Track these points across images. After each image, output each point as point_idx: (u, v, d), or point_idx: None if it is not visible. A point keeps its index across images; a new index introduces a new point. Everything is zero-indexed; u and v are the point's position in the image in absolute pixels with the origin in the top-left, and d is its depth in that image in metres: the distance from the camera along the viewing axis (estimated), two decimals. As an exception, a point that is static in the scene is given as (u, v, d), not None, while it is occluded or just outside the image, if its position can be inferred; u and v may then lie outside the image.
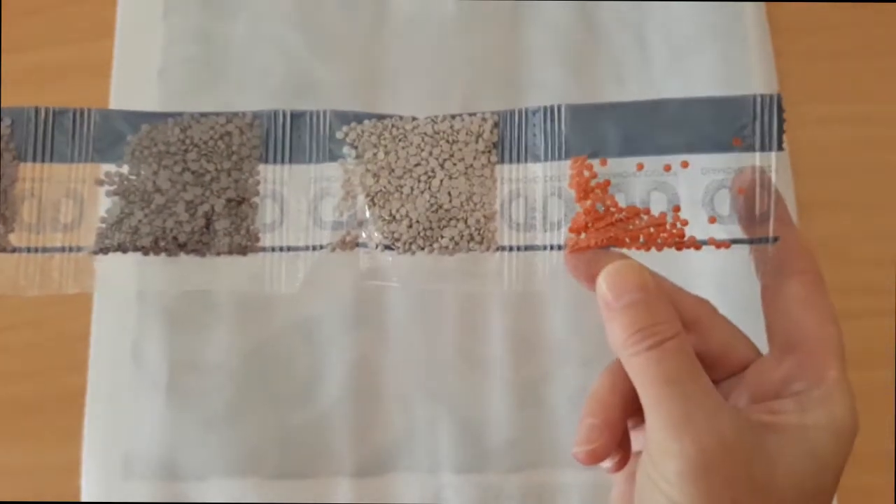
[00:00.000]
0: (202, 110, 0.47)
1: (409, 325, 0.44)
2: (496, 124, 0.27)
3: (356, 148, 0.27)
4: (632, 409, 0.26)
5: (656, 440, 0.22)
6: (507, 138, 0.27)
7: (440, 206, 0.26)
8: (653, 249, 0.25)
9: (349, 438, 0.42)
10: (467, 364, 0.43)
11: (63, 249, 0.26)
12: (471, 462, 0.42)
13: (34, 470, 0.43)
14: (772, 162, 0.24)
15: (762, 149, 0.25)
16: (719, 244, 0.25)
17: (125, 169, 0.26)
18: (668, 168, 0.25)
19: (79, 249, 0.26)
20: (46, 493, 0.42)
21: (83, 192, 0.26)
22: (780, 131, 0.24)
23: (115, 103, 0.47)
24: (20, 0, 0.50)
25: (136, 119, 0.27)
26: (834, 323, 0.25)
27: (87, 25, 0.49)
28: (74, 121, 0.27)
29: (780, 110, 0.25)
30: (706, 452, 0.22)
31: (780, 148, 0.25)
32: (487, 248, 0.26)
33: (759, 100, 0.25)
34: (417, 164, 0.26)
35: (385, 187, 0.26)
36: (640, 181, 0.25)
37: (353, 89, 0.47)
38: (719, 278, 0.43)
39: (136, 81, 0.48)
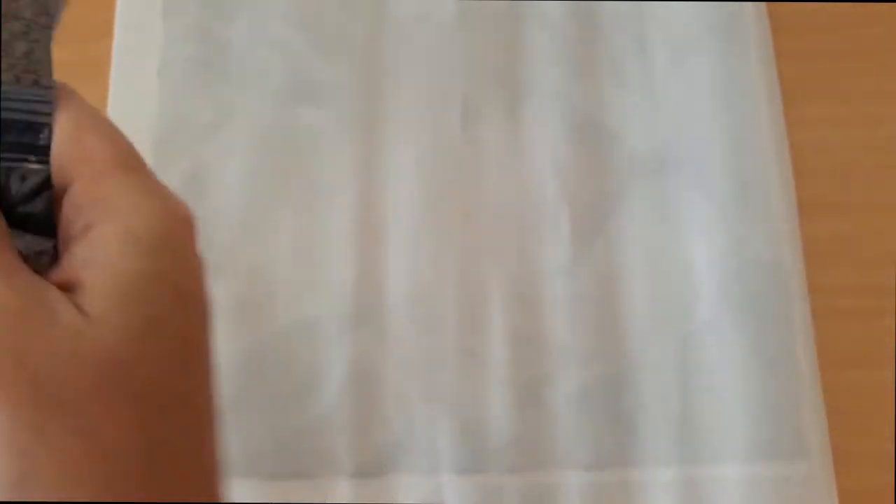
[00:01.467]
0: (201, 110, 0.47)
1: (408, 325, 0.44)
2: None
3: None
4: None
5: None
6: None
7: None
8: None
9: (349, 439, 0.42)
10: (467, 364, 0.43)
11: None
12: (471, 462, 0.42)
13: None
14: None
15: None
16: None
17: None
18: None
19: None
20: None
21: None
22: None
23: (113, 103, 0.47)
24: None
25: None
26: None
27: (86, 25, 0.49)
28: None
29: None
30: None
31: None
32: None
33: None
34: None
35: None
36: None
37: (353, 89, 0.47)
38: (722, 284, 0.44)
39: (135, 82, 0.48)
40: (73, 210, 0.21)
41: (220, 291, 0.45)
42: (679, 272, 0.44)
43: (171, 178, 0.47)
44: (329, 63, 0.48)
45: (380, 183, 0.46)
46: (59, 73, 0.50)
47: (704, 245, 0.44)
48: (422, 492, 0.42)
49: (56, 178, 0.21)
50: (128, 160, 0.21)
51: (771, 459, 0.41)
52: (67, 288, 0.19)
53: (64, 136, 0.21)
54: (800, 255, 0.44)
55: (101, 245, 0.20)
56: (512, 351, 0.43)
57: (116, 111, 0.47)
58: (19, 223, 0.21)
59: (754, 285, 0.43)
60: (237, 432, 0.42)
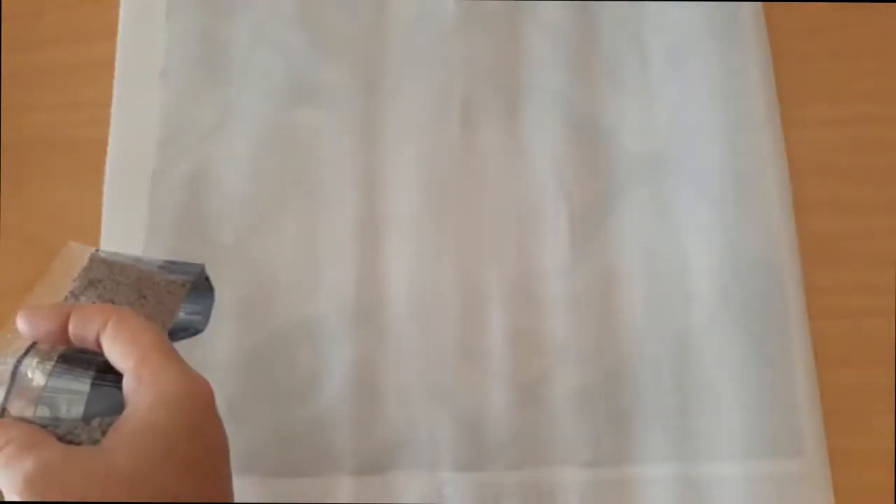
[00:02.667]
0: (204, 110, 0.47)
1: (409, 323, 0.44)
2: None
3: None
4: None
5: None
6: None
7: None
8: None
9: (350, 436, 0.42)
10: (468, 361, 0.43)
11: None
12: (471, 460, 0.42)
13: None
14: None
15: None
16: None
17: None
18: None
19: None
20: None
21: None
22: None
23: (116, 104, 0.48)
24: (23, 0, 0.50)
25: None
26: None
27: (90, 26, 0.49)
28: None
29: None
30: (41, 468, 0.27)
31: None
32: None
33: None
34: None
35: None
36: None
37: (354, 90, 0.48)
38: (720, 283, 0.44)
39: (139, 82, 0.48)
40: (129, 392, 0.29)
41: (223, 290, 0.45)
42: (676, 271, 0.44)
43: (174, 178, 0.48)
44: (329, 63, 0.48)
45: (380, 183, 0.46)
46: (63, 74, 0.50)
47: (702, 245, 0.44)
48: (422, 488, 0.42)
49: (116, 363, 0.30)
50: (162, 346, 0.30)
51: (768, 457, 0.41)
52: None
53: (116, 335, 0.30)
54: (797, 255, 0.44)
55: (136, 404, 0.28)
56: (511, 349, 0.43)
57: (120, 112, 0.48)
58: None
59: (751, 285, 0.43)
60: (239, 429, 0.41)
